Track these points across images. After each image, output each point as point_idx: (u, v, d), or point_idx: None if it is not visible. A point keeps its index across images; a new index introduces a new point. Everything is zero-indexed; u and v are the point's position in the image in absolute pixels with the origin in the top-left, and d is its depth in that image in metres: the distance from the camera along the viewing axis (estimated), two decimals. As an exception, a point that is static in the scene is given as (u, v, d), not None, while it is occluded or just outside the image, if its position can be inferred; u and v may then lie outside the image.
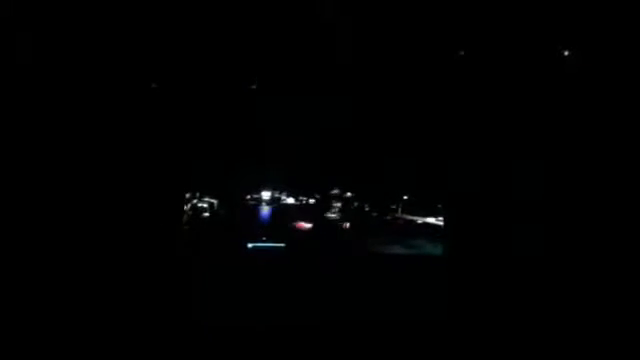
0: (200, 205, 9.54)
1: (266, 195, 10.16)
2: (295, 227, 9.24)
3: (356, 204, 10.19)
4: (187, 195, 9.03)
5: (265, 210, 10.04)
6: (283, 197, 10.16)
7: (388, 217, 9.99)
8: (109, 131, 6.39)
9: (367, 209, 10.10)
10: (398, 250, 9.05)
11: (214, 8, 5.98)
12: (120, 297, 5.33)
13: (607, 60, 5.72)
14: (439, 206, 9.27)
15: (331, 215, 9.45)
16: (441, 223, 9.12)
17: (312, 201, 9.57)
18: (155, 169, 7.11)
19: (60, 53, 5.79)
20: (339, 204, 10.13)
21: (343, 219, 9.72)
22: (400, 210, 10.05)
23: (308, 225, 9.19)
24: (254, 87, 7.63)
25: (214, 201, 9.80)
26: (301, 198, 10.04)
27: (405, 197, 9.86)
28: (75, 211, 5.86)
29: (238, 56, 7.07)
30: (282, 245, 8.63)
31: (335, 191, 10.45)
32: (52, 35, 5.48)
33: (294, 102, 7.91)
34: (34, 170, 5.67)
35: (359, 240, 8.90)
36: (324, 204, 9.53)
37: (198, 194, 9.40)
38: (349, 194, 10.11)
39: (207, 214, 9.54)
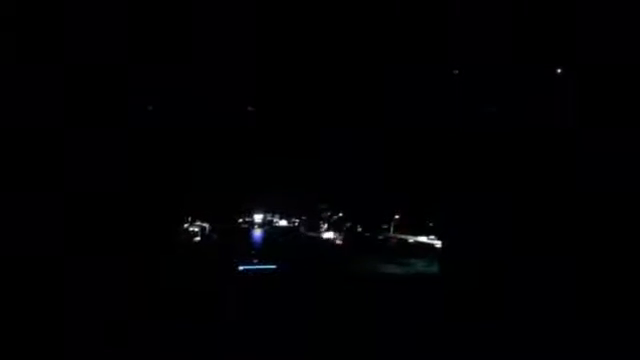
0: (191, 229, 9.46)
1: (258, 218, 10.20)
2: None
3: (349, 224, 10.19)
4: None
5: (257, 232, 9.97)
6: (275, 220, 10.21)
7: (380, 237, 10.01)
8: (105, 151, 6.44)
9: (359, 229, 10.09)
10: (393, 269, 8.99)
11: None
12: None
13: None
14: (430, 225, 9.33)
15: (323, 234, 9.46)
16: (433, 242, 9.14)
17: (297, 222, 9.66)
18: (147, 193, 7.06)
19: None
20: (325, 225, 10.17)
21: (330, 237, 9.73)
22: (392, 229, 10.07)
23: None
24: (251, 109, 7.75)
25: (206, 225, 9.73)
26: (293, 220, 10.06)
27: (396, 217, 9.91)
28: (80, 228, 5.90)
29: (237, 81, 7.27)
30: (273, 267, 8.54)
31: (324, 213, 10.48)
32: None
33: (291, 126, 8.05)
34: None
35: (352, 260, 8.83)
36: (309, 224, 9.63)
37: (189, 218, 9.33)
38: (340, 214, 10.14)
39: (198, 238, 9.44)
